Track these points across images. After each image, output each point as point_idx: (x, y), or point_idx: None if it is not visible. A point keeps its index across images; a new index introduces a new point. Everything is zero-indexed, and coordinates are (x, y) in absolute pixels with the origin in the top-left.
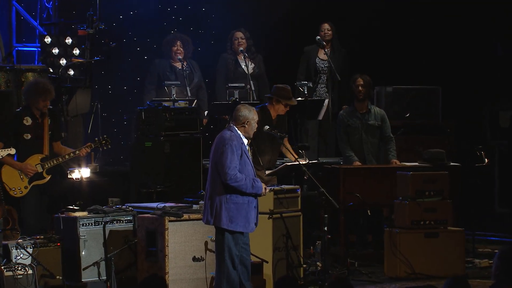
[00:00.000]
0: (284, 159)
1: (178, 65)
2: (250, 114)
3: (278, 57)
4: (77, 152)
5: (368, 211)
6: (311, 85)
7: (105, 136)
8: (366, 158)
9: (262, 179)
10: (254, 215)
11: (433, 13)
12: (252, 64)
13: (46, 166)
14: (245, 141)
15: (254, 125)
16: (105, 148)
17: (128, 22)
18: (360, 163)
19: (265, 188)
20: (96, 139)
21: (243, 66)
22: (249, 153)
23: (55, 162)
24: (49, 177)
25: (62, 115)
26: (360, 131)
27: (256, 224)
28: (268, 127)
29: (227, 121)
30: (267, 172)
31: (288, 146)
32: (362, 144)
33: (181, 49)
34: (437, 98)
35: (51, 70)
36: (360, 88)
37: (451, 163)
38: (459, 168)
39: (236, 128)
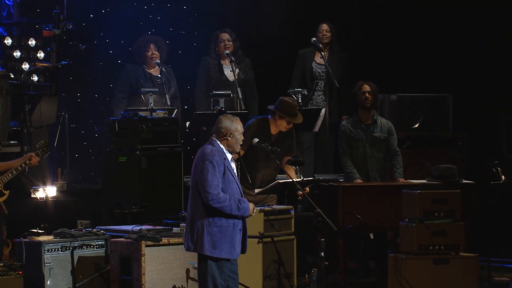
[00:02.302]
0: (277, 176)
1: (154, 71)
2: (233, 125)
3: (269, 61)
4: (28, 161)
5: (370, 234)
6: (306, 93)
7: (42, 141)
8: (370, 174)
9: (252, 199)
10: (240, 239)
11: (442, 13)
12: (237, 69)
13: (4, 180)
14: (229, 156)
15: (239, 137)
16: (46, 155)
17: (100, 21)
18: (361, 181)
19: (253, 206)
20: (37, 145)
21: (228, 72)
22: (235, 169)
23: (10, 175)
24: (8, 192)
25: (25, 126)
26: (364, 144)
27: (245, 250)
28: (257, 139)
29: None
30: (256, 190)
31: (291, 168)
32: (366, 159)
33: (156, 52)
34: (447, 107)
35: (12, 76)
36: (367, 94)
37: (464, 181)
38: (473, 186)
39: (218, 142)
